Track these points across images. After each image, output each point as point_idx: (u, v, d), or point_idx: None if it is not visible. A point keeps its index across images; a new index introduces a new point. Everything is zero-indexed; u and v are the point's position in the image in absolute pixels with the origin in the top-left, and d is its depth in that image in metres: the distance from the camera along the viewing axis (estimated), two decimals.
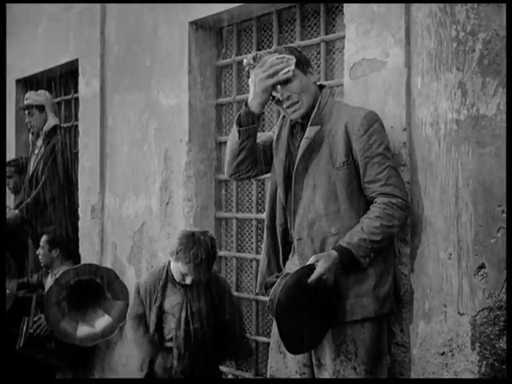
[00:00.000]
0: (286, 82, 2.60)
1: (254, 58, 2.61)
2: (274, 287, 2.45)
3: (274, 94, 2.61)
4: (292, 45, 3.34)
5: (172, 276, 3.28)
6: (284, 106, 2.65)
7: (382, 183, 2.53)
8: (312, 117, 2.62)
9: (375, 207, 2.53)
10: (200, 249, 3.14)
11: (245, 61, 2.64)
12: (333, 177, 2.56)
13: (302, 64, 2.64)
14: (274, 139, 2.76)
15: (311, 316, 2.48)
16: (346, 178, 2.55)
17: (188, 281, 3.20)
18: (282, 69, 2.58)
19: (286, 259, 2.76)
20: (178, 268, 3.19)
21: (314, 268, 2.44)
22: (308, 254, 2.57)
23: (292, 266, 2.68)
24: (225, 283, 3.46)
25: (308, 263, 2.47)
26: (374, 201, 2.55)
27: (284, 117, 2.76)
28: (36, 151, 5.09)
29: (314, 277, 2.42)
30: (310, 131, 2.60)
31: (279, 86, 2.60)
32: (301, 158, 2.61)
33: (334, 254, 2.47)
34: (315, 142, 2.60)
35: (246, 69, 2.65)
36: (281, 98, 2.62)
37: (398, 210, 2.52)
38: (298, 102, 2.62)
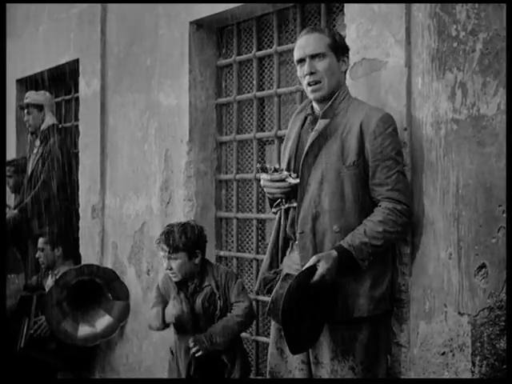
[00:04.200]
0: (315, 57, 2.58)
1: (263, 169, 2.66)
2: (275, 290, 2.44)
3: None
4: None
5: None
6: (305, 82, 2.61)
7: (390, 188, 2.52)
8: (325, 109, 2.59)
9: (379, 211, 2.51)
10: (169, 239, 3.10)
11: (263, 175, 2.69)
12: (341, 174, 2.54)
13: (337, 48, 2.61)
14: (285, 141, 2.74)
15: (311, 316, 2.48)
16: (354, 177, 2.53)
17: (174, 278, 3.17)
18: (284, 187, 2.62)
19: (284, 256, 2.76)
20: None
21: (316, 269, 2.43)
22: (309, 249, 2.56)
23: (289, 262, 2.68)
24: (226, 273, 3.25)
25: (309, 264, 2.46)
26: (379, 204, 2.53)
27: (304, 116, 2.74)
28: (34, 151, 5.09)
29: (316, 278, 2.42)
30: (320, 124, 2.58)
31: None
32: (309, 150, 2.58)
33: (335, 253, 2.47)
34: (325, 136, 2.57)
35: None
36: (304, 72, 2.59)
37: (401, 216, 2.52)
38: (320, 81, 2.59)
